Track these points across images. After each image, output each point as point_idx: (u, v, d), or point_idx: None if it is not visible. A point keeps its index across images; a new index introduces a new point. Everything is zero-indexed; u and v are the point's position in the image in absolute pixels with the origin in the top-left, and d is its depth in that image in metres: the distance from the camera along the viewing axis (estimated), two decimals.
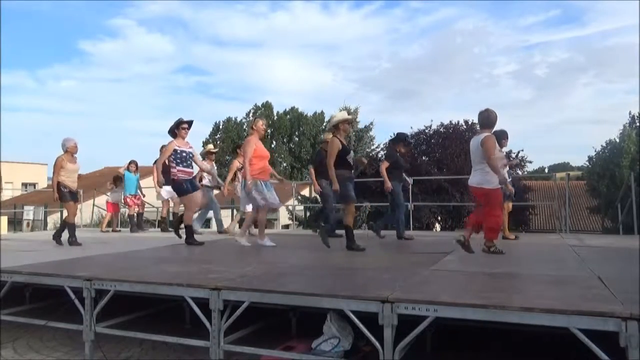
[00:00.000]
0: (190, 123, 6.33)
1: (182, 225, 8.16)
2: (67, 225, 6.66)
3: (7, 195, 7.73)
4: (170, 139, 6.26)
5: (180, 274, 3.95)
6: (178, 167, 6.08)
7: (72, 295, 3.87)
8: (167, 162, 6.29)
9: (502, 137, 5.94)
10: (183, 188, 6.12)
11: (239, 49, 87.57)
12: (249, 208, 6.63)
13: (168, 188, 7.49)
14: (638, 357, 2.36)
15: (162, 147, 6.88)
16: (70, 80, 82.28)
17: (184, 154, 6.16)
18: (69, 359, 4.00)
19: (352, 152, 5.45)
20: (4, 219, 15.52)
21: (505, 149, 6.37)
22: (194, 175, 6.48)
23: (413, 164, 17.45)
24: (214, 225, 9.27)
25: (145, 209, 10.58)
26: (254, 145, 5.89)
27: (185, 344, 3.61)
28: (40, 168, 32.80)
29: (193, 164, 6.37)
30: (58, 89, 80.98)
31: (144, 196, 10.05)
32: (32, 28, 77.06)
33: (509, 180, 5.73)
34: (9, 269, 4.28)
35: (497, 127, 5.22)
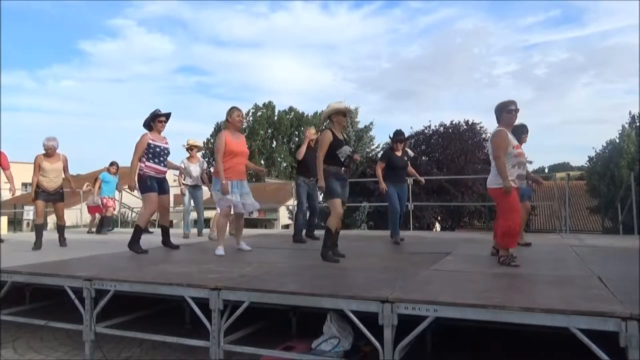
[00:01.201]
0: (167, 115, 5.86)
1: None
2: (35, 226, 6.61)
3: (7, 195, 7.77)
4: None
5: (180, 274, 3.94)
6: (147, 163, 5.64)
7: (72, 295, 3.87)
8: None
9: (521, 132, 5.37)
10: (146, 185, 5.58)
11: (239, 49, 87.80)
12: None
13: None
14: (638, 357, 2.36)
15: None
16: (70, 80, 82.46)
17: (158, 149, 5.68)
18: (69, 359, 4.00)
19: (346, 147, 4.80)
20: (4, 219, 15.55)
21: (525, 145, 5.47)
22: (164, 173, 5.88)
23: (413, 164, 17.48)
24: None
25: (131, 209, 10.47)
26: (225, 139, 5.33)
27: (185, 344, 3.61)
28: None
29: (166, 162, 5.87)
30: (58, 89, 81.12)
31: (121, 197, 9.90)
32: (32, 28, 77.30)
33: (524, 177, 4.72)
34: (9, 269, 4.28)
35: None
